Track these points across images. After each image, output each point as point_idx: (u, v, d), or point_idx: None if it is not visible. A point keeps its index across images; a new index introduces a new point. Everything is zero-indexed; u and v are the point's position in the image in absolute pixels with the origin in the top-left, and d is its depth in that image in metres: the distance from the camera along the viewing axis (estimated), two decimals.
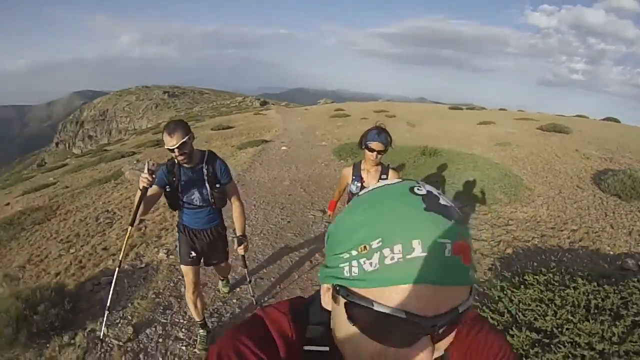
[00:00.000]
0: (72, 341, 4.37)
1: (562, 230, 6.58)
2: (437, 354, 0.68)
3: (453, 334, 0.70)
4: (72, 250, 7.70)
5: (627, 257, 5.64)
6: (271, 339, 0.83)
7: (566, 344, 3.13)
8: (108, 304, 4.26)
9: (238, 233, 4.12)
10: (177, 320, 4.75)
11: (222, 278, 5.16)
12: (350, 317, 0.68)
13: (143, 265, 6.09)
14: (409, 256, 0.61)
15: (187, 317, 4.76)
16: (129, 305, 4.67)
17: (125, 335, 4.39)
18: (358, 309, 0.66)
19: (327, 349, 0.81)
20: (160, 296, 5.22)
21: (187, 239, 4.09)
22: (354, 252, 0.67)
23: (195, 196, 3.89)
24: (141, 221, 7.74)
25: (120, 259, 4.38)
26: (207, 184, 3.84)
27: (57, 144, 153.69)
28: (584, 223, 6.79)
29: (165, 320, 4.72)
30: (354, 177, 4.07)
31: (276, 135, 20.39)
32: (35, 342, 4.37)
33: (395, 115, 27.12)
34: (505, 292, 4.01)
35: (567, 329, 3.27)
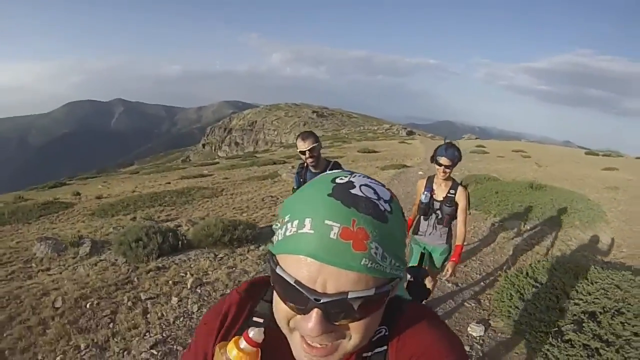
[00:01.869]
0: (258, 248, 7.47)
1: (607, 248, 8.34)
2: (350, 343, 0.82)
3: (360, 323, 0.80)
4: (244, 215, 10.82)
5: None
6: (225, 312, 1.08)
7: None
8: None
9: None
10: None
11: None
12: (271, 278, 0.83)
13: None
14: (300, 231, 0.74)
15: None
16: None
17: None
18: (272, 272, 0.81)
19: (261, 320, 1.02)
20: None
21: None
22: (278, 224, 0.83)
23: None
24: None
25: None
26: None
27: (203, 145, 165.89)
28: (626, 246, 8.41)
29: None
30: (425, 189, 4.52)
31: (416, 163, 23.20)
32: (232, 245, 7.49)
33: (531, 156, 28.79)
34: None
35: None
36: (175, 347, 4.58)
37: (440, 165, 4.19)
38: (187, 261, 6.99)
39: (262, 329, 0.93)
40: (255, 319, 1.04)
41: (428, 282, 4.52)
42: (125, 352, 4.43)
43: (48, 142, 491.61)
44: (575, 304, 4.76)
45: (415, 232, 4.74)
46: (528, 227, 9.24)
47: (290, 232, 0.76)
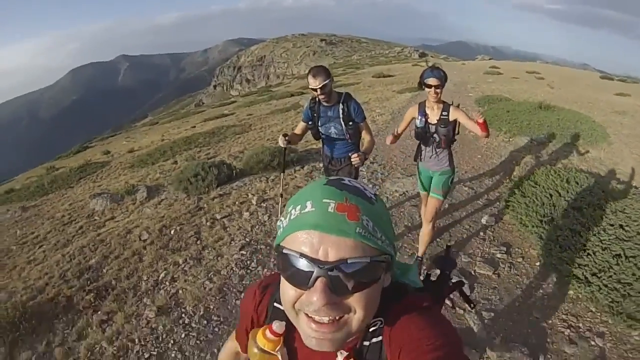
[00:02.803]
0: (302, 168, 8.84)
1: (603, 165, 9.33)
2: (355, 317, 0.92)
3: (361, 296, 0.90)
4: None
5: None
6: (253, 302, 1.29)
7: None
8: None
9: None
10: None
11: None
12: (278, 266, 0.95)
13: None
14: (303, 211, 0.89)
15: None
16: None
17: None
18: (279, 257, 0.93)
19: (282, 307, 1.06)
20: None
21: (326, 164, 5.16)
22: (281, 221, 0.97)
23: (332, 130, 4.62)
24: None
25: (280, 196, 6.04)
26: (342, 121, 4.49)
27: (214, 87, 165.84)
28: (623, 165, 9.38)
29: None
30: (419, 114, 4.72)
31: None
32: (281, 168, 8.62)
33: (544, 78, 29.12)
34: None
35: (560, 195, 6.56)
36: (259, 246, 5.89)
37: (430, 86, 4.37)
38: (244, 186, 8.26)
39: (284, 322, 1.10)
40: (276, 304, 1.21)
41: (426, 222, 5.03)
42: (219, 257, 5.69)
43: (59, 113, 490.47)
44: (565, 200, 6.09)
45: (417, 158, 5.07)
46: (535, 143, 10.40)
47: (294, 215, 0.91)
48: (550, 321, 4.35)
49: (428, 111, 4.66)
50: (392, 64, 59.34)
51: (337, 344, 0.93)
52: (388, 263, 0.94)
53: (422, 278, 1.44)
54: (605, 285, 4.45)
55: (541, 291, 4.82)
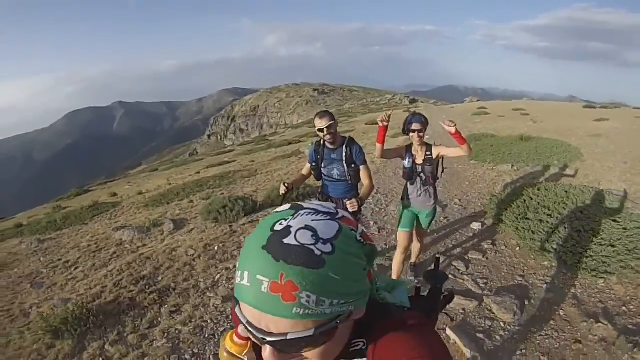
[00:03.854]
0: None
1: (574, 178, 10.81)
2: None
3: (314, 352, 0.87)
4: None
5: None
6: None
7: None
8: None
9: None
10: None
11: None
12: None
13: None
14: (241, 282, 0.83)
15: None
16: None
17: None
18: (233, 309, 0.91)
19: None
20: None
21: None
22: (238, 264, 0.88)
23: (334, 172, 4.79)
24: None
25: None
26: (344, 163, 4.68)
27: (209, 136, 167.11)
28: (593, 175, 10.96)
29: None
30: (406, 155, 4.97)
31: None
32: (299, 200, 9.90)
33: (529, 114, 31.15)
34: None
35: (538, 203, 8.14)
36: None
37: (414, 131, 4.68)
38: (268, 215, 9.37)
39: None
40: None
41: (417, 241, 5.76)
42: None
43: (53, 156, 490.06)
44: (536, 202, 7.70)
45: (404, 198, 5.30)
46: (515, 169, 12.14)
47: (237, 281, 0.85)
48: (530, 281, 5.78)
49: (414, 153, 4.97)
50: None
51: None
52: (345, 318, 0.88)
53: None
54: (571, 251, 5.97)
55: (522, 264, 6.29)
